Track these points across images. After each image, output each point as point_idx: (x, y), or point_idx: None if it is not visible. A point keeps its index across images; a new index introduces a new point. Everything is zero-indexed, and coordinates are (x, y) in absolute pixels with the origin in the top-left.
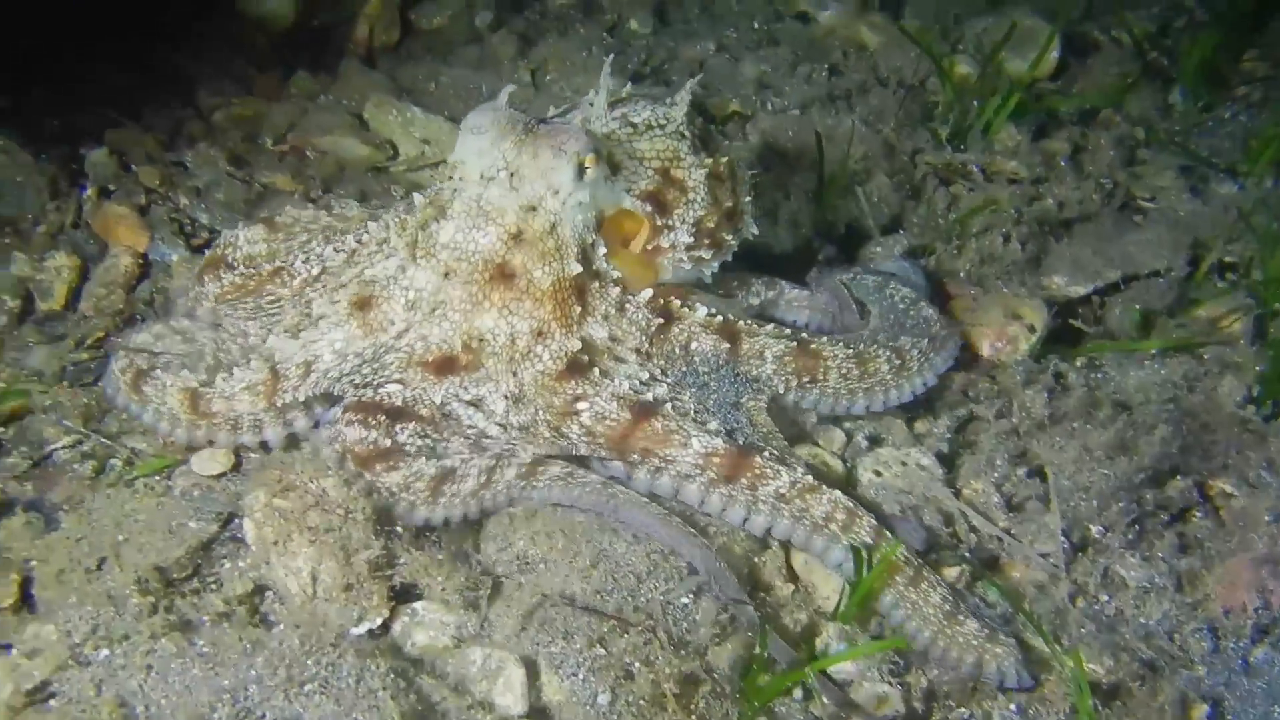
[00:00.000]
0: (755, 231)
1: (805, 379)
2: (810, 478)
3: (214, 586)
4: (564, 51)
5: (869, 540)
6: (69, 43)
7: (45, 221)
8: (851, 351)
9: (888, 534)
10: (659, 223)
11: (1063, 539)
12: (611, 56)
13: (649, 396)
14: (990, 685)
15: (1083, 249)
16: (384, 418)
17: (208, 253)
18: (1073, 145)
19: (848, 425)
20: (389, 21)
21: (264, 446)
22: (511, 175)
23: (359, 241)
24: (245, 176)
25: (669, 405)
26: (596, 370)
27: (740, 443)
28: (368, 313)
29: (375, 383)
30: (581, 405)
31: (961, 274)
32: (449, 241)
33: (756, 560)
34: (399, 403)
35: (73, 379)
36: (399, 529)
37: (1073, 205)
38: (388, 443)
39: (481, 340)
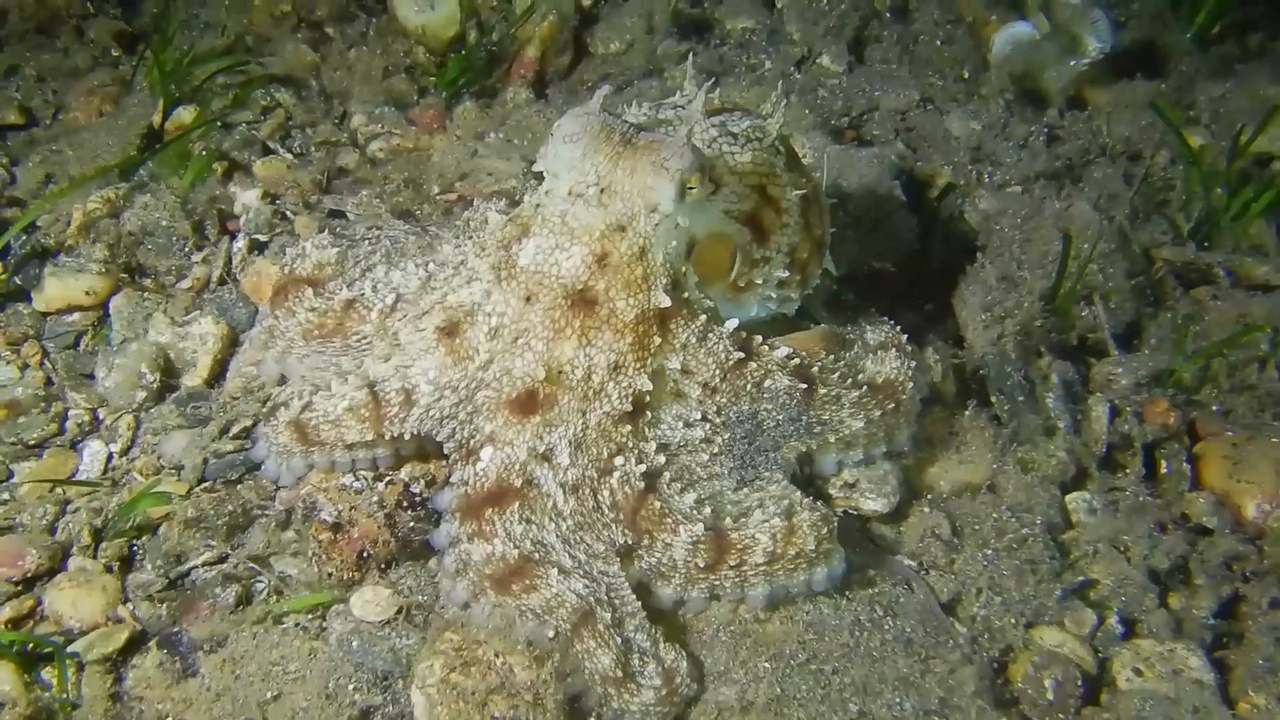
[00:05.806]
0: (834, 270)
1: (889, 406)
2: (784, 519)
3: None
4: (755, 99)
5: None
6: None
7: (190, 276)
8: (908, 361)
9: None
10: (757, 254)
11: None
12: (693, 56)
13: (660, 461)
14: None
15: None
16: (490, 511)
17: (277, 276)
18: None
19: (1094, 598)
20: (563, 44)
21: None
22: (602, 191)
23: (436, 265)
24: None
25: (665, 478)
26: (648, 414)
27: (719, 523)
28: (455, 339)
29: (471, 435)
30: (619, 461)
31: (1215, 407)
32: (530, 264)
33: None
34: (493, 480)
35: (215, 476)
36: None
37: None
38: (514, 552)
39: (561, 372)
